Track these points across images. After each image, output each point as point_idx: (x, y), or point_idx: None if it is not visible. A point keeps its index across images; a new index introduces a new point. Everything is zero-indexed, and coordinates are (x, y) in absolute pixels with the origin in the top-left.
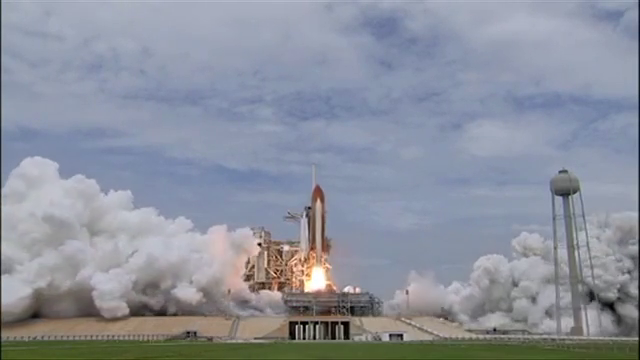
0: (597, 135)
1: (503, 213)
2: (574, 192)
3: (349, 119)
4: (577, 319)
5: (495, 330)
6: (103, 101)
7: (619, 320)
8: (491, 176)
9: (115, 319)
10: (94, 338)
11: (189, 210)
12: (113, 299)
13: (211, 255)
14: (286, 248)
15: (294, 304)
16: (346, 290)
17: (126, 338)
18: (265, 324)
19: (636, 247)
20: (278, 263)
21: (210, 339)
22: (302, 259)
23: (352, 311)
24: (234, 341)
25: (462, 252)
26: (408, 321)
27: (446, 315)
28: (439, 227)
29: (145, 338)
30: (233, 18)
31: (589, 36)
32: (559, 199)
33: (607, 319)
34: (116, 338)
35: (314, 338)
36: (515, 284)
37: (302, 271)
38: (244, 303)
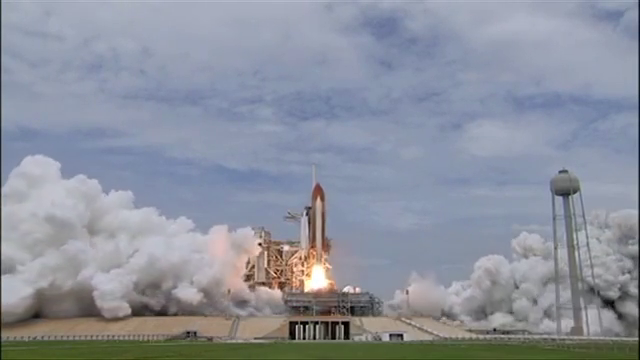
0: (597, 135)
1: (503, 213)
2: (574, 192)
3: (349, 119)
4: (577, 319)
5: (495, 330)
6: (103, 101)
7: (620, 318)
8: (491, 176)
9: (116, 319)
10: (94, 338)
11: (189, 210)
12: (114, 299)
13: (212, 255)
14: (286, 248)
15: (294, 304)
16: (346, 290)
17: (126, 338)
18: (265, 324)
19: (636, 247)
20: (278, 263)
21: (210, 339)
22: (302, 257)
23: (352, 311)
24: (234, 341)
25: (462, 252)
26: (408, 321)
27: (447, 317)
28: (439, 227)
29: (145, 338)
30: (233, 18)
31: (589, 36)
32: (559, 199)
33: (609, 317)
34: (116, 338)
35: (314, 338)
36: (516, 286)
37: (302, 271)
38: (243, 303)
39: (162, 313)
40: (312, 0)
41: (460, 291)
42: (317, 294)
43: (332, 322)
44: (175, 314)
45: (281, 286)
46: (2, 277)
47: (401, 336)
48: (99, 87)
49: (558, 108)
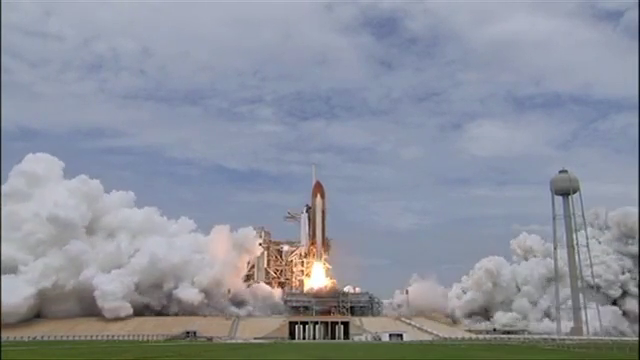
0: (597, 135)
1: (503, 213)
2: (574, 192)
3: (349, 119)
4: (577, 319)
5: (495, 330)
6: (103, 101)
7: (625, 315)
8: (491, 176)
9: (116, 319)
10: (94, 338)
11: (189, 210)
12: (116, 299)
13: (214, 256)
14: (286, 248)
15: (294, 304)
16: (346, 290)
17: (126, 338)
18: (265, 324)
19: (636, 246)
20: (278, 263)
21: (210, 339)
22: (302, 254)
23: (352, 311)
24: (234, 341)
25: (462, 252)
26: (408, 321)
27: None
28: (439, 227)
29: (145, 338)
30: (233, 18)
31: (589, 36)
32: (559, 199)
33: (614, 314)
34: (116, 338)
35: (314, 338)
36: (518, 288)
37: (302, 271)
38: (241, 303)
39: (162, 313)
40: (312, 0)
41: (461, 294)
42: (317, 294)
43: (332, 322)
44: (175, 314)
45: (281, 286)
46: (6, 277)
47: (401, 336)
48: (99, 87)
49: (558, 108)
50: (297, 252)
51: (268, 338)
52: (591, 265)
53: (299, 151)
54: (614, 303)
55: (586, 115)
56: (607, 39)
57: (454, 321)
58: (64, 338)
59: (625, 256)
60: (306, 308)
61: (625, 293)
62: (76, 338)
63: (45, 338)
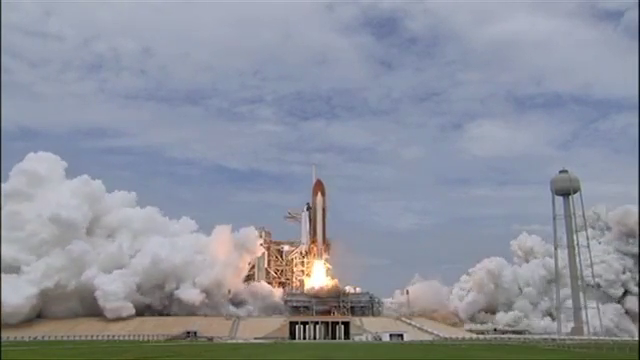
0: (597, 135)
1: (503, 213)
2: (574, 192)
3: (350, 119)
4: (577, 319)
5: (495, 330)
6: (103, 101)
7: (627, 313)
8: (491, 176)
9: (116, 319)
10: (94, 338)
11: (189, 210)
12: (117, 300)
13: (215, 256)
14: (286, 248)
15: (294, 304)
16: (346, 290)
17: (126, 338)
18: (265, 324)
19: (636, 246)
20: (278, 263)
21: (210, 339)
22: (303, 252)
23: (352, 311)
24: (234, 341)
25: (462, 252)
26: (408, 321)
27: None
28: (439, 227)
29: (145, 338)
30: (233, 18)
31: (589, 36)
32: (559, 199)
33: (613, 312)
34: (116, 338)
35: (314, 338)
36: (520, 289)
37: (302, 271)
38: (241, 303)
39: (162, 313)
40: (312, 0)
41: (463, 296)
42: (317, 294)
43: (332, 322)
44: (176, 314)
45: (281, 286)
46: (9, 278)
47: (401, 336)
48: (99, 87)
49: (558, 108)
50: (297, 250)
51: (268, 338)
52: (591, 265)
53: (300, 151)
54: (618, 303)
55: (586, 115)
56: (607, 39)
57: (457, 322)
58: (64, 338)
59: (626, 255)
60: (306, 308)
61: (627, 292)
62: (76, 338)
63: (45, 338)
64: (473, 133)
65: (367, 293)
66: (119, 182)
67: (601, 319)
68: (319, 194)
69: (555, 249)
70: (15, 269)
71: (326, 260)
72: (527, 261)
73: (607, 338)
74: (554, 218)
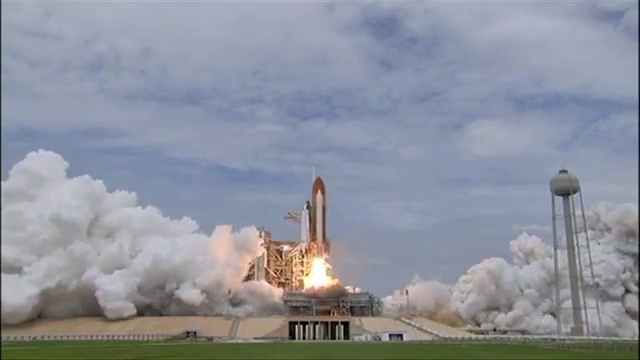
0: (597, 135)
1: (503, 213)
2: (574, 192)
3: (350, 119)
4: (577, 319)
5: (495, 330)
6: (103, 101)
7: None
8: (491, 176)
9: (117, 319)
10: (94, 338)
11: (189, 210)
12: (118, 300)
13: (216, 257)
14: (286, 248)
15: (294, 304)
16: (346, 290)
17: (126, 338)
18: (265, 324)
19: (636, 246)
20: (278, 263)
21: (210, 339)
22: (303, 250)
23: (352, 311)
24: (234, 341)
25: (462, 252)
26: (408, 321)
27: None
28: (439, 227)
29: (145, 338)
30: (233, 18)
31: (589, 36)
32: (559, 199)
33: (614, 311)
34: (116, 338)
35: (314, 338)
36: (521, 290)
37: (302, 271)
38: (241, 303)
39: (162, 313)
40: (312, 0)
41: (463, 297)
42: (317, 294)
43: (332, 322)
44: (176, 314)
45: (281, 286)
46: (10, 278)
47: (401, 336)
48: (99, 87)
49: (558, 108)
50: (297, 249)
51: (268, 338)
52: (591, 265)
53: (299, 151)
54: (619, 301)
55: (586, 115)
56: (607, 39)
57: (458, 322)
58: (64, 338)
59: (626, 255)
60: (306, 308)
61: (627, 292)
62: (76, 338)
63: (45, 338)
64: (473, 133)
65: (367, 293)
66: (119, 182)
67: (601, 319)
68: (319, 192)
69: (555, 249)
70: (17, 269)
71: (326, 260)
72: (527, 262)
73: (607, 338)
74: (554, 218)
